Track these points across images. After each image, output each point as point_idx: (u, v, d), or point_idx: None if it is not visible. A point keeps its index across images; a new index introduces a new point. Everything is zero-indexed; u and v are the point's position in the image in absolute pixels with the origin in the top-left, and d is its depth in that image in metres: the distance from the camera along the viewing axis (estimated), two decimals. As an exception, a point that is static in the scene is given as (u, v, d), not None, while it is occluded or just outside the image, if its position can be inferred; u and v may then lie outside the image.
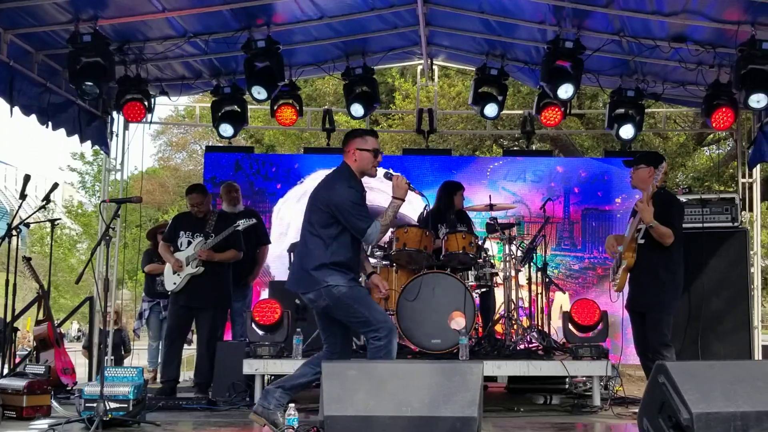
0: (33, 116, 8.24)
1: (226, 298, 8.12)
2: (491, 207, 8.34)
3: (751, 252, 9.07)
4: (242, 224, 7.83)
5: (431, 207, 8.77)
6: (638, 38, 8.33)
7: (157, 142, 29.40)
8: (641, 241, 6.41)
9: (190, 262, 7.81)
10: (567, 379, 7.80)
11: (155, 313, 9.36)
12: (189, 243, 7.92)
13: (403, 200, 5.49)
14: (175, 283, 7.88)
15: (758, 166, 10.11)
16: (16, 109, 7.92)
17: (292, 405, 5.06)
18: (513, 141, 17.79)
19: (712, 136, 17.56)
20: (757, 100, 7.82)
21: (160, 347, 9.25)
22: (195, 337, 8.48)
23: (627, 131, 9.47)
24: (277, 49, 8.46)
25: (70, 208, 29.73)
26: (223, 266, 8.00)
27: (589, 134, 16.74)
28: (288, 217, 10.70)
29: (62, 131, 8.89)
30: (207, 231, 7.89)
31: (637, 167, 6.62)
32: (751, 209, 10.26)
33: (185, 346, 8.47)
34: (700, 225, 8.22)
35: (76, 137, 9.17)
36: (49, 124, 8.60)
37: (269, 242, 9.40)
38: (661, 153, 11.24)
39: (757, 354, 8.85)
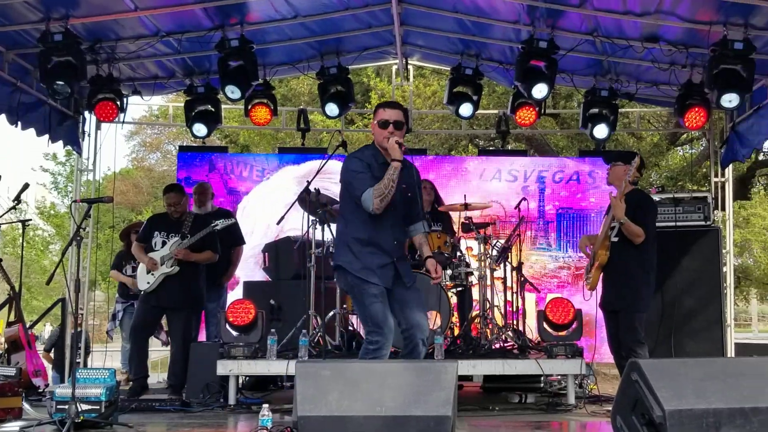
0: (2, 116, 8.15)
1: (200, 299, 8.06)
2: (466, 206, 8.33)
3: (724, 251, 9.15)
4: (221, 224, 7.74)
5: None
6: (612, 38, 8.37)
7: (130, 142, 29.28)
8: (615, 239, 6.48)
9: (165, 261, 7.73)
10: (542, 378, 7.81)
11: (129, 315, 9.19)
12: (164, 243, 7.83)
13: (401, 161, 5.26)
14: (148, 283, 7.78)
15: (731, 165, 10.20)
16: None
17: (266, 406, 5.02)
18: (488, 141, 17.85)
19: (685, 136, 17.71)
20: (729, 100, 7.89)
21: (121, 349, 9.15)
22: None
23: (601, 131, 9.52)
24: (251, 49, 8.42)
25: (42, 209, 29.44)
26: (197, 267, 7.93)
27: (563, 134, 16.81)
28: (254, 216, 10.66)
29: (32, 131, 8.79)
30: (183, 232, 7.81)
31: (614, 164, 6.69)
32: (723, 208, 10.35)
33: (161, 347, 8.39)
34: (673, 224, 8.29)
35: (45, 137, 9.07)
36: (19, 123, 8.50)
37: (244, 243, 9.35)
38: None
39: (730, 352, 8.93)
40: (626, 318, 6.48)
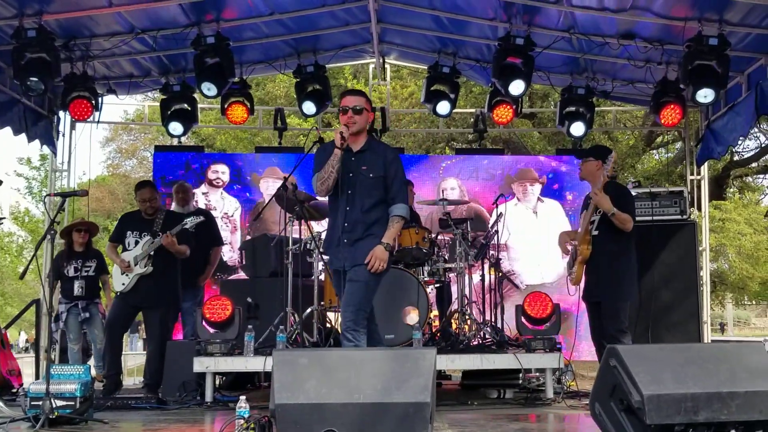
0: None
1: (176, 298, 7.96)
2: (444, 202, 8.32)
3: (700, 248, 9.20)
4: (189, 222, 7.62)
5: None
6: (588, 35, 8.42)
7: (106, 149, 29.06)
8: (595, 233, 6.50)
9: (139, 261, 7.59)
10: (520, 375, 7.80)
11: (74, 315, 8.60)
12: (136, 243, 7.68)
13: (341, 148, 5.32)
14: (123, 284, 7.63)
15: (706, 164, 10.28)
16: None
17: (243, 397, 4.97)
18: (466, 143, 17.88)
19: (660, 138, 17.86)
20: (704, 95, 7.96)
21: (94, 352, 8.82)
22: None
23: (578, 128, 9.57)
24: (227, 45, 8.40)
25: (16, 215, 29.14)
26: (173, 265, 7.82)
27: (540, 135, 16.88)
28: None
29: (8, 131, 8.70)
30: (155, 230, 7.64)
31: (586, 160, 6.71)
32: (699, 208, 10.43)
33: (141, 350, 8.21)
34: (650, 218, 8.33)
35: (23, 137, 8.98)
36: (-7, 122, 8.42)
37: (222, 243, 9.28)
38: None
39: (707, 347, 8.96)
40: (609, 307, 6.48)
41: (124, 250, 7.76)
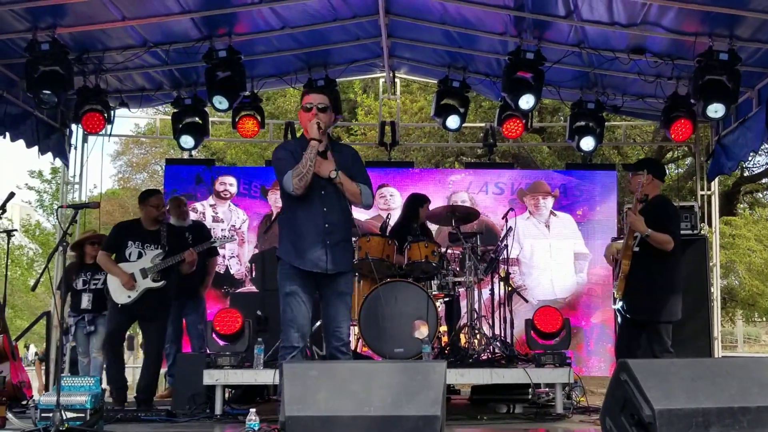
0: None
1: (169, 310, 7.93)
2: (453, 212, 8.33)
3: (710, 264, 9.18)
4: (219, 242, 7.61)
5: (398, 219, 8.84)
6: (598, 50, 8.44)
7: (117, 162, 29.15)
8: (636, 249, 6.40)
9: (148, 274, 7.46)
10: (530, 390, 7.78)
11: (80, 329, 8.55)
12: (140, 255, 7.53)
13: (319, 140, 5.20)
14: (129, 297, 7.47)
15: (716, 179, 10.26)
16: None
17: (253, 410, 4.98)
18: (475, 158, 17.91)
19: (671, 153, 17.85)
20: (715, 110, 7.95)
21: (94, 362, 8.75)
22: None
23: (588, 143, 9.58)
24: (239, 59, 8.45)
25: (27, 227, 29.24)
26: (174, 279, 7.80)
27: (550, 150, 16.90)
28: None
29: (21, 143, 8.77)
30: (162, 243, 7.55)
31: (636, 173, 6.59)
32: (710, 224, 10.41)
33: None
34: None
35: (35, 150, 9.06)
36: (7, 134, 8.50)
37: (218, 253, 9.30)
38: (620, 169, 11.41)
39: (717, 363, 8.92)
40: (652, 328, 6.39)
41: (122, 260, 7.54)
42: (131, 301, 7.48)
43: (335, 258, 5.31)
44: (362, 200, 5.42)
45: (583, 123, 9.56)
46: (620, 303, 6.63)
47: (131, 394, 7.90)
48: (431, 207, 8.76)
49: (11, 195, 7.38)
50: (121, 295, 7.48)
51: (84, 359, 8.65)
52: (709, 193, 10.34)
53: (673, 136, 9.18)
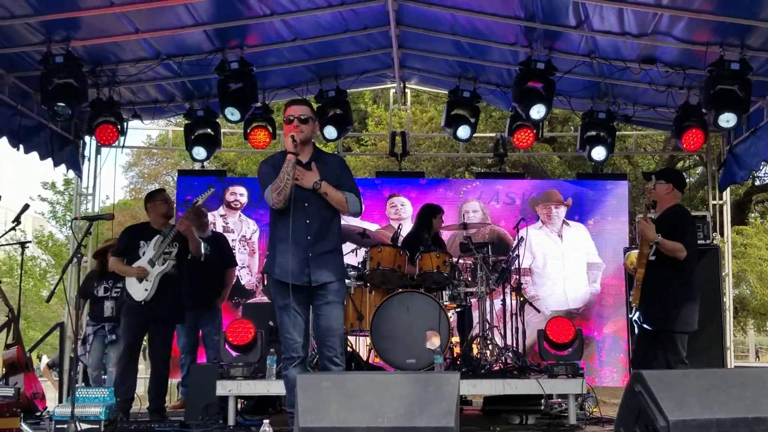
0: (3, 142, 8.22)
1: (183, 317, 7.94)
2: (465, 226, 8.34)
3: (723, 273, 9.16)
4: (201, 198, 7.56)
5: (411, 229, 8.86)
6: (609, 60, 8.45)
7: (129, 173, 29.27)
8: (652, 258, 6.35)
9: (156, 262, 7.38)
10: (542, 400, 7.76)
11: (99, 338, 8.48)
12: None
13: (295, 153, 5.19)
14: (146, 290, 7.38)
15: (728, 188, 10.24)
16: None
17: (266, 421, 4.98)
18: (485, 168, 17.91)
19: (682, 163, 17.81)
20: (726, 120, 7.94)
21: (107, 375, 8.69)
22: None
23: (599, 153, 9.58)
24: (251, 71, 8.50)
25: (40, 239, 29.36)
26: (178, 284, 7.69)
27: (560, 160, 16.89)
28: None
29: (35, 155, 8.83)
30: (164, 231, 7.48)
31: (657, 182, 6.58)
32: (722, 233, 10.38)
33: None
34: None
35: (48, 162, 9.12)
36: (21, 147, 8.56)
37: (236, 264, 9.33)
38: (631, 179, 11.39)
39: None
40: (667, 338, 6.35)
41: (136, 260, 7.50)
42: (150, 293, 7.38)
43: (318, 270, 5.29)
44: (349, 208, 5.41)
45: (594, 133, 9.56)
46: (636, 313, 6.61)
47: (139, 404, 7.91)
48: (444, 217, 8.78)
49: (26, 207, 7.44)
50: (138, 291, 7.41)
51: (94, 372, 8.53)
52: (721, 202, 10.31)
53: (684, 146, 9.17)
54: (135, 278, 7.42)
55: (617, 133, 10.19)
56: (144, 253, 7.49)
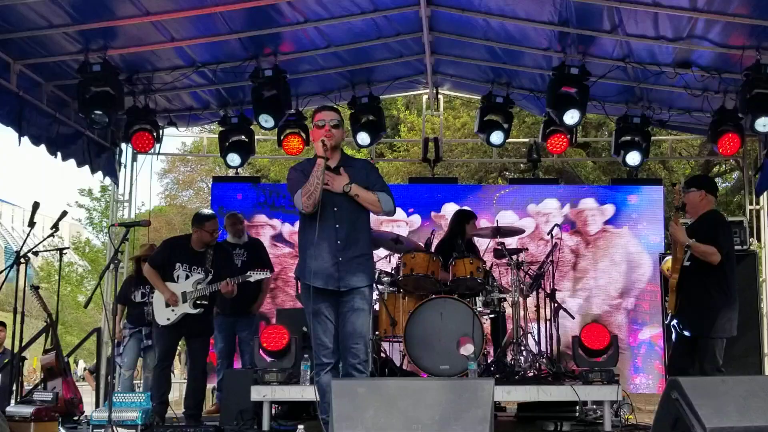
0: (41, 150, 8.33)
1: (212, 325, 8.02)
2: (498, 231, 8.32)
3: (760, 279, 9.04)
4: (254, 276, 7.60)
5: (444, 235, 8.85)
6: (643, 64, 8.40)
7: (164, 180, 29.60)
8: (687, 263, 6.32)
9: (188, 299, 7.47)
10: (577, 407, 7.71)
11: (135, 340, 8.60)
12: (187, 277, 7.56)
13: (325, 158, 5.18)
14: (168, 319, 7.49)
15: (765, 193, 10.11)
16: (26, 140, 8.01)
17: (301, 427, 5.02)
18: (518, 173, 17.86)
19: (718, 167, 17.62)
20: (763, 124, 7.86)
21: (145, 382, 8.71)
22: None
23: (634, 158, 9.51)
24: (284, 78, 8.55)
25: (77, 245, 29.76)
26: (216, 300, 7.82)
27: (594, 165, 16.79)
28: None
29: (72, 163, 8.95)
30: (206, 267, 7.57)
31: (688, 191, 6.52)
32: (759, 238, 10.25)
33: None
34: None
35: (86, 168, 9.24)
36: (59, 154, 8.69)
37: (272, 270, 9.38)
38: (666, 184, 11.27)
39: (769, 380, 8.77)
40: (703, 344, 6.26)
41: (169, 280, 7.56)
42: (170, 323, 7.50)
43: (347, 275, 5.29)
44: (382, 207, 5.39)
45: (628, 138, 9.50)
46: (673, 319, 6.55)
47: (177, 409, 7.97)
48: (477, 223, 8.75)
49: (64, 213, 7.54)
50: (161, 315, 7.52)
51: (127, 372, 8.65)
52: (758, 207, 10.18)
53: (720, 151, 9.07)
54: (163, 300, 7.48)
55: (652, 137, 10.11)
56: (178, 278, 7.53)
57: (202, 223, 7.64)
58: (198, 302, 7.45)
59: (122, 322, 8.69)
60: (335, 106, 5.71)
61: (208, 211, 8.23)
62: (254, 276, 7.51)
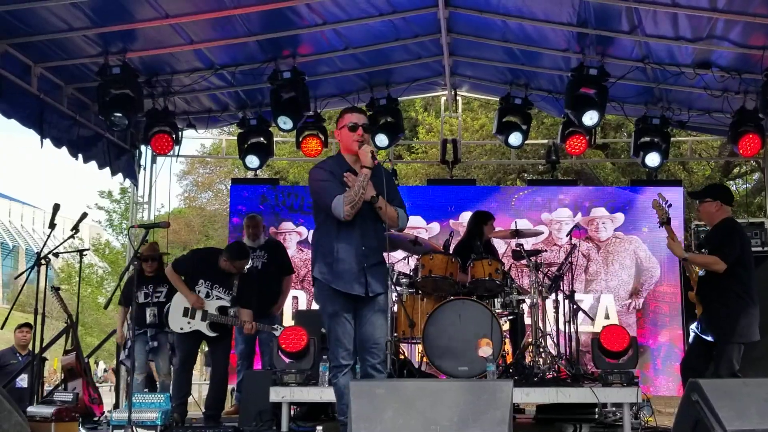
0: (61, 153, 8.46)
1: (231, 328, 8.07)
2: (517, 233, 8.30)
3: (782, 281, 8.96)
4: (278, 330, 7.66)
5: (461, 237, 8.83)
6: (663, 65, 8.36)
7: (183, 182, 29.69)
8: (702, 273, 6.37)
9: (206, 318, 7.60)
10: (597, 409, 7.67)
11: (141, 343, 8.30)
12: (207, 295, 7.68)
13: (371, 168, 5.15)
14: (182, 329, 7.63)
15: (787, 194, 10.04)
16: (47, 142, 8.07)
17: (320, 428, 5.02)
18: (537, 175, 17.81)
19: (738, 168, 17.49)
20: (784, 124, 7.80)
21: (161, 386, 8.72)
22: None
23: (653, 159, 9.46)
24: (303, 80, 8.57)
25: (97, 246, 29.92)
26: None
27: (613, 166, 16.71)
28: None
29: (93, 165, 9.02)
30: (231, 293, 7.70)
31: (703, 200, 6.53)
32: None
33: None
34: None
35: (106, 170, 9.30)
36: (80, 156, 8.75)
37: (293, 272, 9.39)
38: (686, 185, 11.20)
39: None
40: (720, 349, 6.27)
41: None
42: (184, 333, 7.63)
43: (373, 281, 5.30)
44: (399, 224, 5.44)
45: (648, 139, 9.46)
46: (697, 323, 6.55)
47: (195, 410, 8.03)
48: (496, 225, 8.73)
49: (84, 215, 7.59)
50: (176, 322, 7.62)
51: (139, 376, 8.36)
52: (779, 208, 10.12)
53: (741, 151, 9.01)
54: (182, 306, 7.60)
55: (671, 138, 10.05)
56: (198, 293, 7.65)
57: (234, 259, 7.73)
58: (214, 325, 7.59)
59: (126, 324, 8.68)
60: (361, 108, 5.69)
61: (244, 248, 8.13)
62: (279, 331, 7.57)
